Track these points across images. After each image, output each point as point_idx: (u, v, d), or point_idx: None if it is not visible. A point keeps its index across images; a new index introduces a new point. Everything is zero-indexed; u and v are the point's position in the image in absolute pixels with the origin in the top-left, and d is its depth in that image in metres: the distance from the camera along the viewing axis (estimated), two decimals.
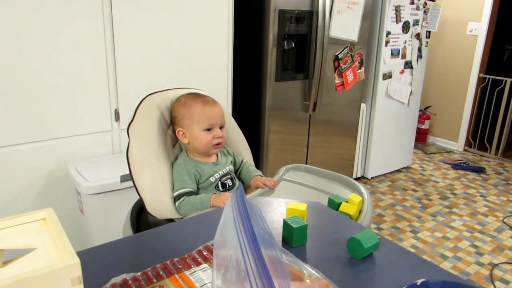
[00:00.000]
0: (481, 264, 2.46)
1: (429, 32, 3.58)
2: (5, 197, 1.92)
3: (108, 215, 1.89)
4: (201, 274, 0.68)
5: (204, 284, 0.65)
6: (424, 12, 3.42)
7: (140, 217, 1.44)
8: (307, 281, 0.57)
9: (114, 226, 1.70)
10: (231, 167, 1.46)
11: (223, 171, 1.41)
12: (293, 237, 0.81)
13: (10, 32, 1.78)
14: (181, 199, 1.31)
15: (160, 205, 1.31)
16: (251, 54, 2.78)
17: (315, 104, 2.91)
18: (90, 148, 2.12)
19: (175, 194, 1.32)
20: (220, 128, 1.40)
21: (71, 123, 2.04)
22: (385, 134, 3.56)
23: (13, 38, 1.79)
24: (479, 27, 4.13)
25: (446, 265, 2.43)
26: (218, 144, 1.38)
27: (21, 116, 1.89)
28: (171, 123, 1.42)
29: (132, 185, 1.35)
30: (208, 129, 1.36)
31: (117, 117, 2.16)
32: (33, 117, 1.92)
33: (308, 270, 0.59)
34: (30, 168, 1.96)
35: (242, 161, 1.54)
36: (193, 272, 0.68)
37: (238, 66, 2.70)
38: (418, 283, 0.68)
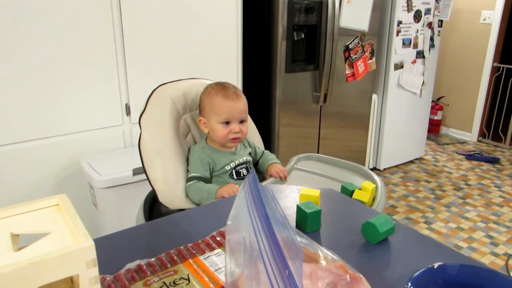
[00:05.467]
0: (496, 255, 2.43)
1: (441, 21, 3.52)
2: (19, 193, 1.94)
3: (121, 208, 1.90)
4: (215, 259, 0.68)
5: (219, 268, 0.65)
6: (436, 0, 3.37)
7: (153, 208, 1.45)
8: (323, 262, 0.57)
9: (128, 219, 1.71)
10: (249, 158, 1.46)
11: (239, 161, 1.41)
12: (307, 223, 0.81)
13: (20, 27, 1.79)
14: (192, 181, 1.33)
15: (172, 195, 1.31)
16: (261, 46, 2.77)
17: (325, 95, 2.89)
18: (102, 142, 2.14)
19: (188, 176, 1.34)
20: (242, 122, 1.38)
21: (83, 119, 2.05)
22: (397, 125, 3.52)
23: (23, 34, 1.80)
24: (492, 16, 4.05)
25: None
26: (235, 138, 1.37)
27: (33, 112, 1.90)
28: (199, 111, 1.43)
29: (145, 178, 1.35)
30: (226, 123, 1.35)
31: (128, 111, 2.17)
32: (44, 113, 1.93)
33: (323, 251, 0.58)
34: (43, 163, 1.98)
35: (263, 152, 1.54)
36: (207, 257, 0.68)
37: (248, 59, 2.69)
38: (436, 266, 0.67)
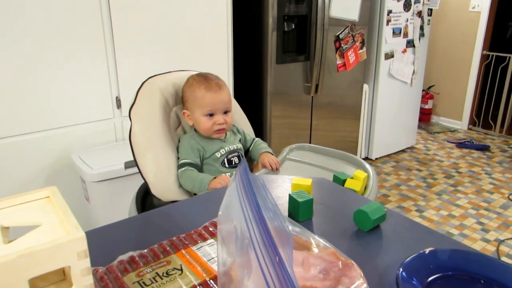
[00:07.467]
0: (487, 241, 2.46)
1: (431, 9, 3.52)
2: (10, 188, 1.93)
3: (113, 202, 1.90)
4: (208, 249, 0.68)
5: (212, 258, 0.65)
6: None
7: (145, 200, 1.44)
8: (315, 249, 0.57)
9: (120, 212, 1.70)
10: (240, 145, 1.45)
11: (229, 148, 1.41)
12: (299, 212, 0.81)
13: (8, 20, 1.76)
14: (184, 168, 1.32)
15: (164, 187, 1.31)
16: (251, 37, 2.76)
17: (317, 86, 2.89)
18: (93, 136, 2.12)
19: (179, 163, 1.34)
20: (226, 112, 1.38)
21: (73, 112, 2.03)
22: (389, 115, 3.54)
23: (11, 28, 1.78)
24: (482, 4, 4.07)
25: None
26: (219, 130, 1.37)
27: (23, 106, 1.88)
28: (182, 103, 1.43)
29: (137, 171, 1.34)
30: (210, 115, 1.35)
31: (118, 104, 2.16)
32: (35, 107, 1.91)
33: (315, 239, 0.58)
34: (33, 158, 1.96)
35: (253, 139, 1.53)
36: (200, 247, 0.68)
37: (238, 50, 2.68)
38: (427, 252, 0.67)
